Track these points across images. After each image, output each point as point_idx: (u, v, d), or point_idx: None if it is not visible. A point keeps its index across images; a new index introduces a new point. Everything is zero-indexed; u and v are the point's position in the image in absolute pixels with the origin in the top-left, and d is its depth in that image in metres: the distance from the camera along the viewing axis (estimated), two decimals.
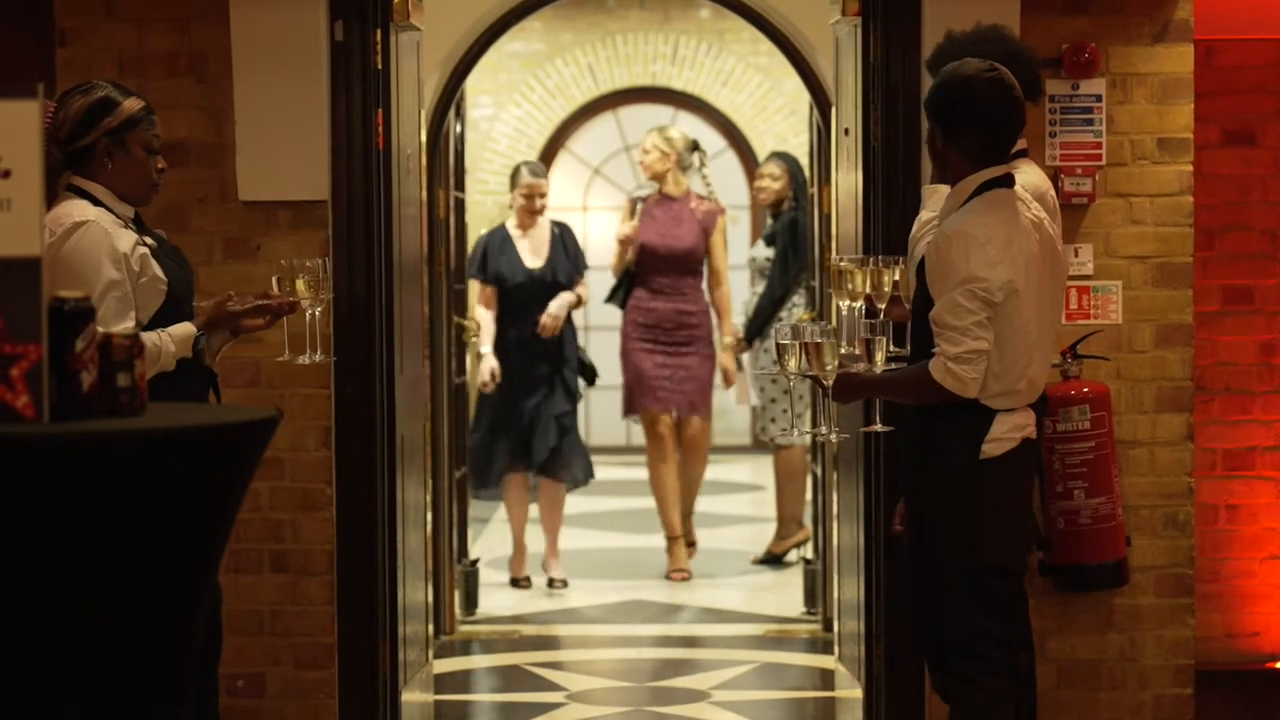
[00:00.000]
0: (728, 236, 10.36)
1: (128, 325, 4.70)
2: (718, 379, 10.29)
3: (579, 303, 9.67)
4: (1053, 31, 6.13)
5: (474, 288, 9.63)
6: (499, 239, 9.65)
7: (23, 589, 3.25)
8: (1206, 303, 6.70)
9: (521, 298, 9.52)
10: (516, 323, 9.53)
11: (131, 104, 4.96)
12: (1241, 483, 6.85)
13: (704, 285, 10.04)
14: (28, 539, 3.23)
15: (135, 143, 4.94)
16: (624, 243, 9.89)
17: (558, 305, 9.50)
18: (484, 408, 9.60)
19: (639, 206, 9.99)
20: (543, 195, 9.68)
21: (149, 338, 4.76)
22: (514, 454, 9.47)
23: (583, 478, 9.69)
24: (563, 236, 9.71)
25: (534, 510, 9.76)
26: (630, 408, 10.04)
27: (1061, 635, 6.18)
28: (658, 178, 10.04)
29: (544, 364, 9.52)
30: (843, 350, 4.93)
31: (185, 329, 4.92)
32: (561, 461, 9.52)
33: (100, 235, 4.80)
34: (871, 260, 5.23)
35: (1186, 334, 6.20)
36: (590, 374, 9.81)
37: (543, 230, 9.66)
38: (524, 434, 9.45)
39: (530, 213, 9.62)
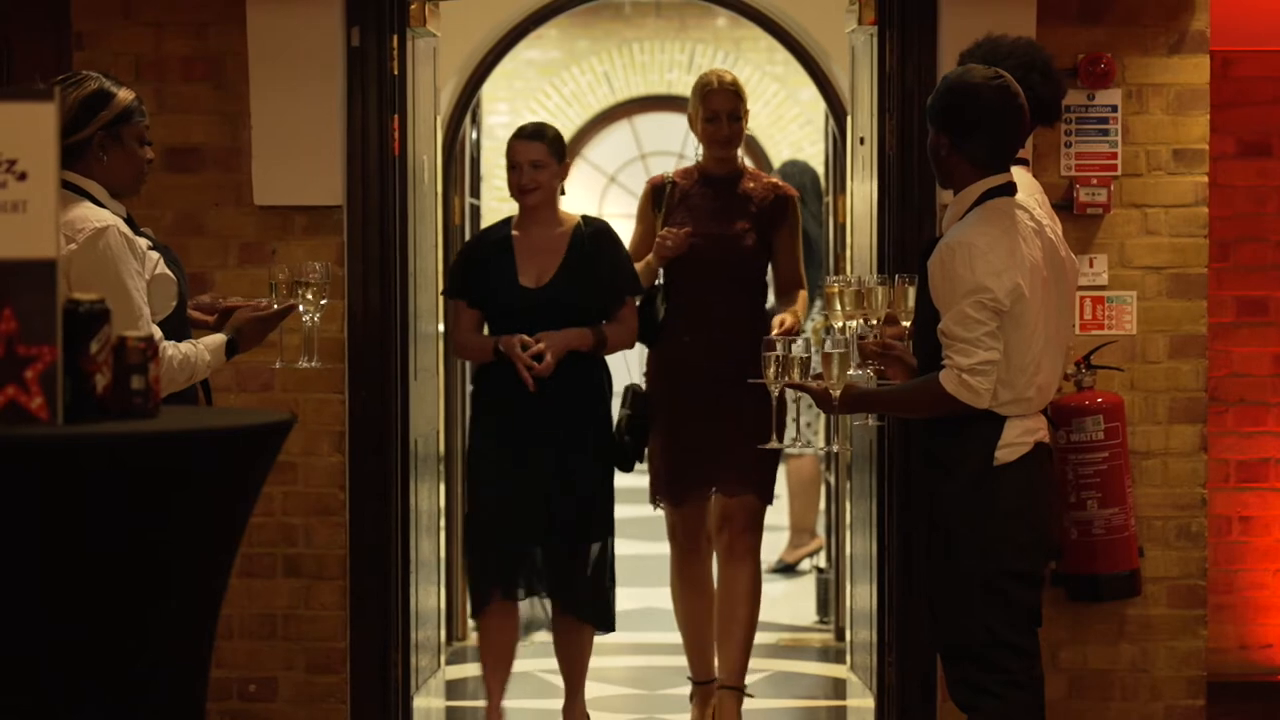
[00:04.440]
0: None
1: (142, 330, 4.69)
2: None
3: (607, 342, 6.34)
4: (1069, 42, 6.12)
5: (454, 314, 6.53)
6: (494, 240, 6.40)
7: (32, 589, 3.25)
8: (1221, 314, 6.69)
9: (510, 330, 6.26)
10: (506, 371, 6.24)
11: (125, 95, 4.77)
12: (1255, 494, 6.84)
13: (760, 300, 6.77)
14: (42, 540, 3.24)
15: (130, 135, 4.76)
16: (664, 254, 6.53)
17: (560, 337, 6.20)
18: (476, 501, 6.46)
19: (669, 188, 6.71)
20: (535, 164, 6.25)
21: (183, 348, 4.72)
22: (501, 573, 6.33)
23: (602, 619, 6.56)
24: (592, 240, 6.34)
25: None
26: (656, 489, 6.75)
27: (1073, 645, 6.17)
28: (731, 154, 6.82)
29: (555, 437, 6.28)
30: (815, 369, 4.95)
31: (217, 339, 4.87)
32: (584, 593, 6.47)
33: (119, 242, 4.75)
34: (864, 281, 5.24)
35: (1201, 345, 6.19)
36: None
37: (559, 229, 6.35)
38: (512, 544, 6.31)
39: (520, 193, 6.28)
